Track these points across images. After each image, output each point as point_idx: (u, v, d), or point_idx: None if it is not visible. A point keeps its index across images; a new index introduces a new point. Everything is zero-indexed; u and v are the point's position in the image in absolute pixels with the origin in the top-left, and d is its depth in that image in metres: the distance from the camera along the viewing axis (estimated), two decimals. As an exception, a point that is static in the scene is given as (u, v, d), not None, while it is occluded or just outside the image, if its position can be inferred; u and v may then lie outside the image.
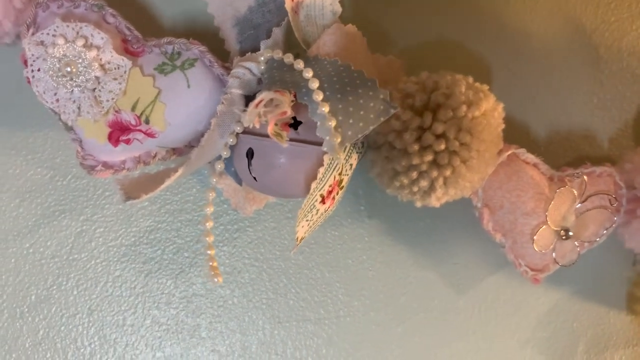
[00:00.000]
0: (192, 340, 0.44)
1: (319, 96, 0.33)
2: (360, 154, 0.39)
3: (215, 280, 0.33)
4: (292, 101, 0.34)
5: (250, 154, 0.37)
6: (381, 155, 0.39)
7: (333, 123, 0.32)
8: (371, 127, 0.34)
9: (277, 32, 0.40)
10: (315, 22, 0.42)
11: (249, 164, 0.37)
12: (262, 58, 0.37)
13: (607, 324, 0.48)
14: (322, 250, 0.45)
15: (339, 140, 0.32)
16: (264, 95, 0.30)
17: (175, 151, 0.41)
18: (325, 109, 0.32)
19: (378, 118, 0.34)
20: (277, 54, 0.36)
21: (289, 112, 0.31)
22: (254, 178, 0.38)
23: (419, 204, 0.40)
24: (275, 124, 0.33)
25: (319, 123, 0.33)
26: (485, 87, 0.40)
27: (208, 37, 0.42)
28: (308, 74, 0.34)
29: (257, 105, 0.30)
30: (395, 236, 0.46)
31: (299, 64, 0.34)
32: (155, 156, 0.40)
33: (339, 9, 0.42)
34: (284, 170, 0.37)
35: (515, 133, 0.47)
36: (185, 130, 0.39)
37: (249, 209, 0.44)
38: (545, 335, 0.48)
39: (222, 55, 0.42)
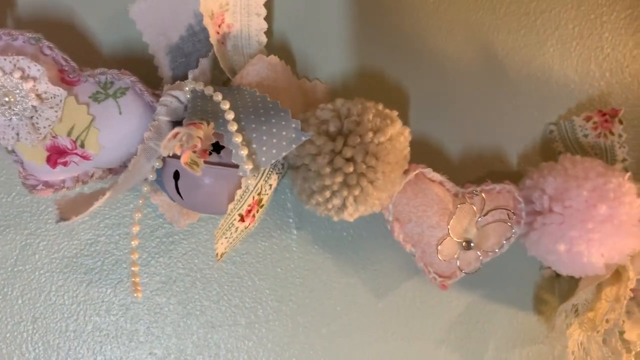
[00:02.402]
0: (131, 344, 0.48)
1: (233, 127, 0.37)
2: (280, 175, 0.43)
3: (135, 295, 0.36)
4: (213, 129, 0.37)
5: (176, 175, 0.41)
6: (299, 175, 0.42)
7: (245, 151, 0.36)
8: (284, 153, 0.38)
9: (204, 62, 0.43)
10: (243, 52, 0.46)
11: (176, 185, 0.41)
12: (187, 88, 0.40)
13: (516, 324, 0.53)
14: (253, 259, 0.49)
15: (251, 166, 0.36)
16: (177, 129, 0.34)
17: (111, 171, 0.44)
18: (239, 139, 0.36)
19: (290, 145, 0.38)
20: (200, 86, 0.39)
21: (200, 145, 0.34)
22: (181, 197, 0.41)
23: (335, 219, 0.44)
24: (194, 152, 0.36)
25: (234, 151, 0.37)
26: (395, 113, 0.44)
27: (144, 64, 0.45)
28: (225, 106, 0.38)
29: (173, 138, 0.34)
30: (321, 246, 0.50)
31: (218, 97, 0.38)
32: (92, 175, 0.44)
33: (264, 39, 0.46)
34: (207, 190, 0.40)
35: (431, 152, 0.51)
36: (118, 153, 0.42)
37: (183, 223, 0.47)
38: (459, 336, 0.52)
39: (157, 81, 0.45)
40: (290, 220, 0.50)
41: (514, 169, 0.52)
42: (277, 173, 0.42)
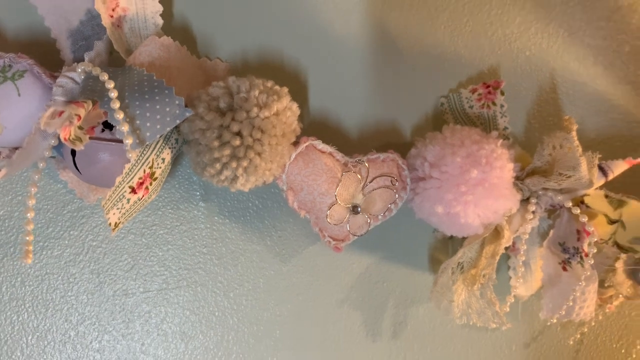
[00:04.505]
0: (47, 312, 0.51)
1: (115, 105, 0.39)
2: (174, 149, 0.46)
3: (25, 260, 0.39)
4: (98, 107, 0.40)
5: (73, 152, 0.43)
6: (192, 150, 0.46)
7: (126, 127, 0.39)
8: (168, 128, 0.41)
9: (99, 45, 0.46)
10: (140, 34, 0.49)
11: (74, 161, 0.44)
12: (79, 69, 0.43)
13: (413, 283, 0.57)
14: (162, 231, 0.52)
15: (131, 141, 0.39)
16: (56, 107, 0.37)
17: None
18: (120, 115, 0.39)
19: (174, 120, 0.41)
20: (88, 67, 0.42)
21: (77, 122, 0.37)
22: (80, 172, 0.44)
23: (232, 190, 0.47)
24: (80, 128, 0.39)
25: (117, 127, 0.39)
26: (284, 89, 0.47)
27: (48, 47, 0.48)
28: (109, 85, 0.40)
29: (52, 115, 0.36)
30: (227, 216, 0.53)
31: (104, 76, 0.41)
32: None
33: (160, 21, 0.49)
34: (102, 165, 0.43)
35: (330, 126, 0.55)
36: (21, 133, 0.44)
37: (93, 198, 0.50)
38: (360, 295, 0.56)
39: (62, 64, 0.48)
40: (197, 193, 0.53)
41: (408, 140, 0.56)
42: (170, 147, 0.45)
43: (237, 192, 0.53)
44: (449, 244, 0.57)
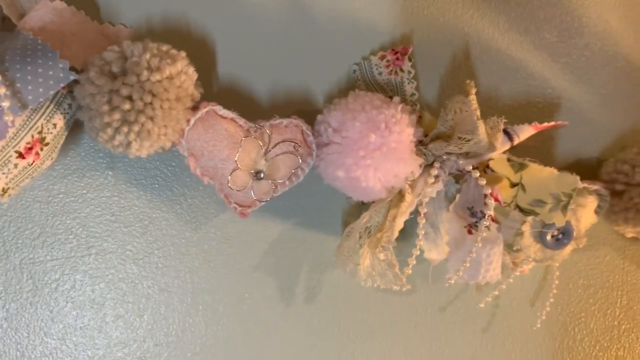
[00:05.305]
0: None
1: (-8, 68, 0.39)
2: (67, 114, 0.46)
3: None
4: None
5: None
6: (85, 115, 0.45)
7: (2, 90, 0.39)
8: (51, 92, 0.41)
9: (-12, 8, 0.45)
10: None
11: (-38, 126, 0.43)
12: (-38, 34, 0.42)
13: (327, 248, 0.58)
14: (69, 199, 0.52)
15: (8, 104, 0.39)
16: None
17: None
18: (-3, 78, 0.39)
19: (58, 84, 0.41)
20: (-32, 31, 0.41)
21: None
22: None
23: (131, 156, 0.47)
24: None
25: (-5, 91, 0.39)
26: (182, 53, 0.47)
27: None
28: (-13, 48, 0.40)
29: None
30: (134, 184, 0.53)
31: (-18, 40, 0.40)
32: None
33: (55, -14, 0.48)
34: (-9, 130, 0.43)
35: (240, 93, 0.54)
36: None
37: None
38: (274, 260, 0.57)
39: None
40: (103, 161, 0.53)
41: (321, 108, 0.56)
42: (62, 113, 0.45)
43: (145, 161, 0.53)
44: (362, 209, 0.58)
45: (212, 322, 0.56)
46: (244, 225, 0.56)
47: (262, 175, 0.50)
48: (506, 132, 0.53)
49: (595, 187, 0.57)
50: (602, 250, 0.64)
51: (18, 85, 0.40)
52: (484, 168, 0.54)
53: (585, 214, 0.56)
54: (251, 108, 0.54)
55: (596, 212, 0.57)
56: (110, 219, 0.53)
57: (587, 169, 0.62)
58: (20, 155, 0.43)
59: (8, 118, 0.39)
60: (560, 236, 0.56)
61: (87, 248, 0.53)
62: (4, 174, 0.42)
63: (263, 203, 0.51)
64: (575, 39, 0.61)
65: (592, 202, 0.56)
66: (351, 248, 0.53)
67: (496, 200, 0.53)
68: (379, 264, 0.52)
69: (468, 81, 0.50)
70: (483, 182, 0.51)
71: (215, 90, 0.54)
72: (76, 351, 0.54)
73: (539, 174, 0.52)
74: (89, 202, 0.53)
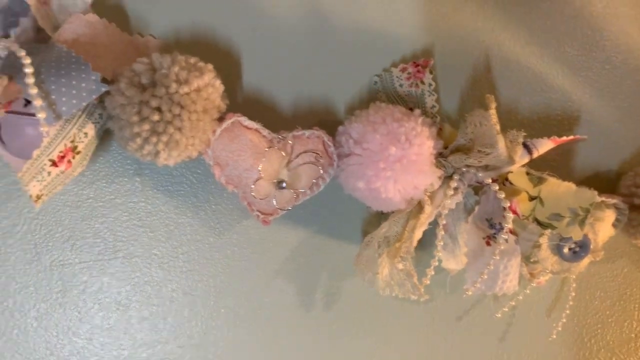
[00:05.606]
0: (-15, 282, 0.53)
1: (30, 80, 0.41)
2: (97, 124, 0.48)
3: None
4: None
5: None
6: (116, 125, 0.47)
7: (39, 102, 0.40)
8: (84, 103, 0.42)
9: (24, 21, 0.47)
10: (68, 11, 0.50)
11: (0, 135, 0.45)
12: (1, 45, 0.44)
13: (346, 256, 0.59)
14: (97, 203, 0.54)
15: (44, 115, 0.41)
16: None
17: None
18: (34, 90, 0.41)
19: (90, 95, 0.43)
20: (6, 43, 0.43)
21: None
22: (6, 146, 0.46)
23: (158, 165, 0.49)
24: (-1, 103, 0.41)
25: (32, 102, 0.41)
26: (209, 66, 0.49)
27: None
28: (25, 61, 0.42)
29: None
30: (160, 190, 0.55)
31: (20, 52, 0.42)
32: None
33: (89, -2, 0.50)
34: (26, 139, 0.45)
35: (264, 104, 0.56)
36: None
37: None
38: (294, 266, 0.58)
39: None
40: (131, 167, 0.54)
41: (342, 119, 0.57)
42: (93, 122, 0.47)
43: (171, 168, 0.55)
44: (382, 219, 0.59)
45: (233, 325, 0.58)
46: (266, 233, 0.57)
47: (284, 184, 0.51)
48: (525, 146, 0.54)
49: (613, 200, 0.57)
50: (619, 263, 0.65)
51: (53, 97, 0.42)
52: (503, 181, 0.55)
53: (603, 227, 0.56)
54: (274, 118, 0.56)
55: (614, 225, 0.58)
56: (137, 224, 0.55)
57: (606, 182, 0.62)
58: (54, 164, 0.44)
59: (44, 129, 0.41)
60: (577, 249, 0.56)
61: (114, 252, 0.55)
62: (38, 181, 0.44)
63: (285, 211, 0.53)
64: (596, 53, 0.61)
65: (610, 216, 0.56)
66: (370, 257, 0.54)
67: (514, 213, 0.54)
68: (397, 273, 0.53)
69: (488, 95, 0.50)
70: (502, 195, 0.52)
71: (240, 100, 0.56)
72: (102, 351, 0.56)
73: (557, 188, 0.52)
74: (117, 207, 0.54)
